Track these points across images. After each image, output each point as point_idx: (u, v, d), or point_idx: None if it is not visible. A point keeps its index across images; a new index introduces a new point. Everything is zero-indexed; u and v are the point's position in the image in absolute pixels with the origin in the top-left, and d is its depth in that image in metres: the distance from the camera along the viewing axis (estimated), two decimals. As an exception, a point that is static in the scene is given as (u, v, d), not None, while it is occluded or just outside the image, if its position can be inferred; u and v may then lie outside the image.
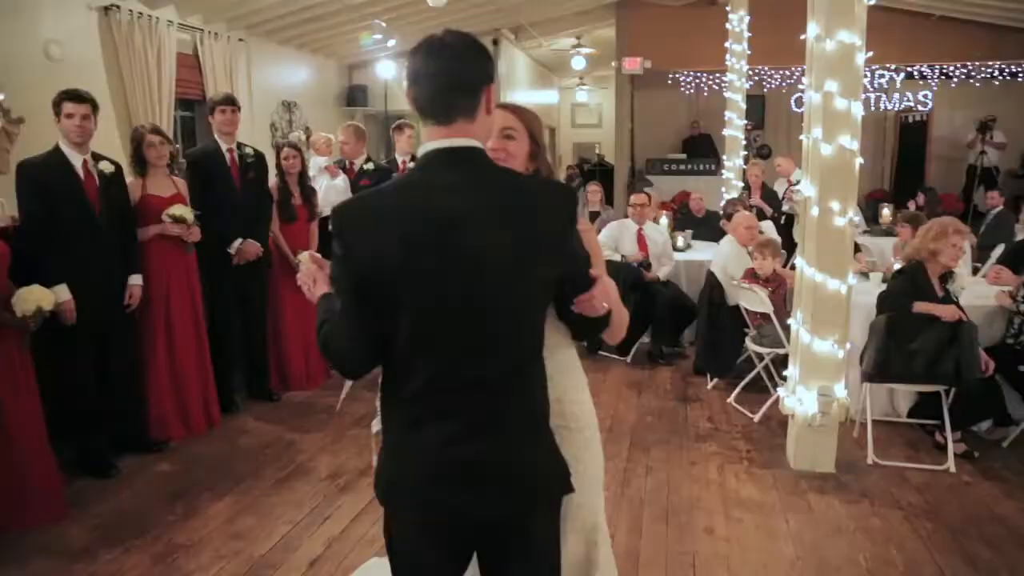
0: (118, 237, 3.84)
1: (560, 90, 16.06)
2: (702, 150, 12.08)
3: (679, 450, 4.13)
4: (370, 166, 5.70)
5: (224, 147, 4.72)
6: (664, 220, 6.97)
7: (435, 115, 1.46)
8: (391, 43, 9.45)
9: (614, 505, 3.44)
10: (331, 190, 5.66)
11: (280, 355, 5.24)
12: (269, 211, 5.01)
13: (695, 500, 3.54)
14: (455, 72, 1.45)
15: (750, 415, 4.58)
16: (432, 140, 1.47)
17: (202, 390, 4.49)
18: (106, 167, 3.78)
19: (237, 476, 3.80)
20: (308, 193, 5.28)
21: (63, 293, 3.53)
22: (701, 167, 11.44)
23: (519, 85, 12.27)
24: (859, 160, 3.66)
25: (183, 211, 4.23)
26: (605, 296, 1.53)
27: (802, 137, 3.87)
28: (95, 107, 3.73)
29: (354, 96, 10.80)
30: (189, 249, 4.34)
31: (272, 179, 5.16)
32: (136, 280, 3.97)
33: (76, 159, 3.66)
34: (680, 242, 6.68)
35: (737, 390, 4.86)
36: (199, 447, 4.22)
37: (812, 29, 3.66)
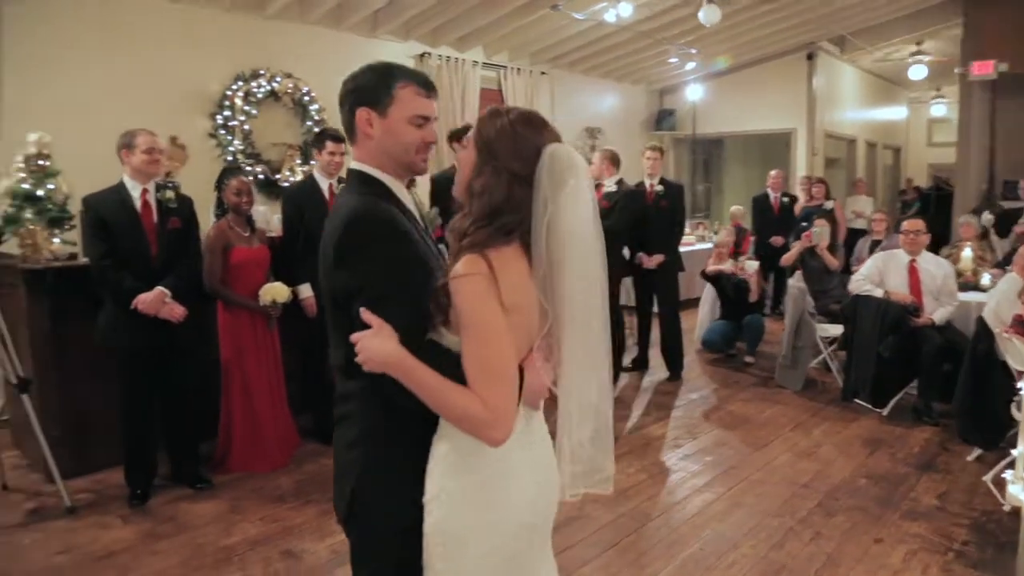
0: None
1: (910, 104, 14.07)
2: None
3: (870, 523, 3.44)
4: (612, 188, 5.78)
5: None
6: (967, 252, 5.77)
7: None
8: (689, 66, 9.35)
9: (751, 562, 3.06)
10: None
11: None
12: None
13: (851, 584, 2.96)
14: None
15: (1003, 502, 3.61)
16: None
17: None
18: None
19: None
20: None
21: (305, 291, 4.34)
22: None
23: (846, 101, 11.12)
24: None
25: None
26: (363, 351, 1.43)
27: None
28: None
29: (662, 120, 10.87)
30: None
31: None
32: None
33: (324, 183, 4.45)
34: (986, 279, 5.48)
35: (997, 468, 3.85)
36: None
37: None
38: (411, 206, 1.69)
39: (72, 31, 5.63)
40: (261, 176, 6.58)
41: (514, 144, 1.45)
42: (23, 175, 3.99)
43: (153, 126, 5.92)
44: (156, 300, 3.53)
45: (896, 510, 3.58)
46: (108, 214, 3.54)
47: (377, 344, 1.42)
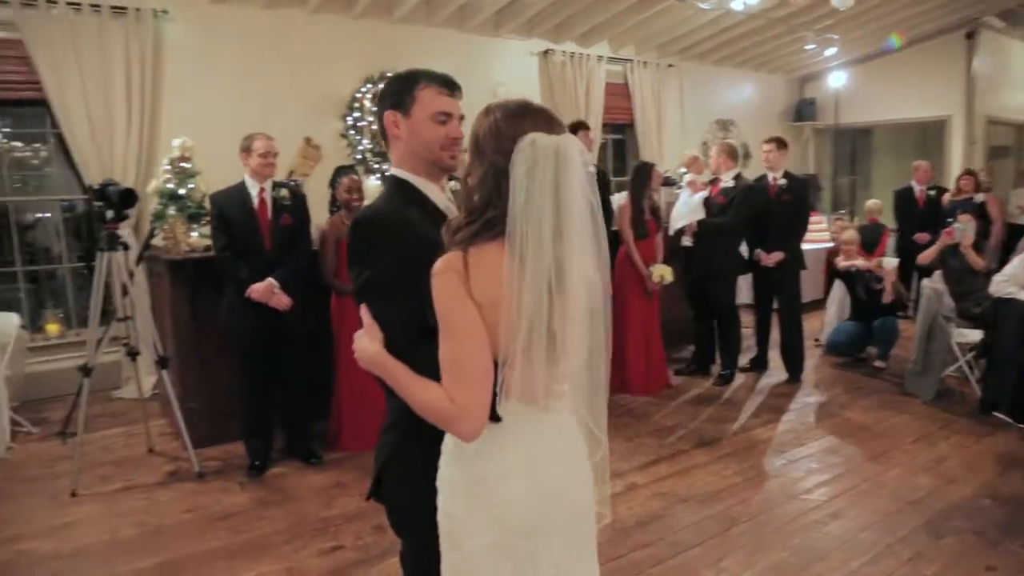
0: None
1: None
2: None
3: (985, 548, 3.14)
4: (730, 183, 5.59)
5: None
6: None
7: None
8: (828, 52, 8.82)
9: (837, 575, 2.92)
10: (684, 205, 5.76)
11: (621, 357, 5.55)
12: (610, 225, 5.40)
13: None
14: None
15: None
16: None
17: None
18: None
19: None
20: (656, 208, 5.52)
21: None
22: None
23: (1016, 82, 10.01)
24: None
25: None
26: (355, 349, 1.55)
27: None
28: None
29: (801, 110, 10.33)
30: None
31: (619, 200, 5.55)
32: None
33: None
34: None
35: None
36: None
37: None
38: (443, 205, 1.76)
39: (221, 46, 6.20)
40: (388, 173, 6.95)
41: (496, 139, 1.44)
42: (168, 176, 4.48)
43: (290, 129, 6.48)
44: (266, 290, 3.85)
45: (1019, 538, 3.25)
46: (229, 210, 3.92)
47: (364, 343, 1.51)
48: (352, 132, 6.91)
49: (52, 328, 5.61)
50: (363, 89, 6.93)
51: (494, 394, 1.44)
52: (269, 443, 4.20)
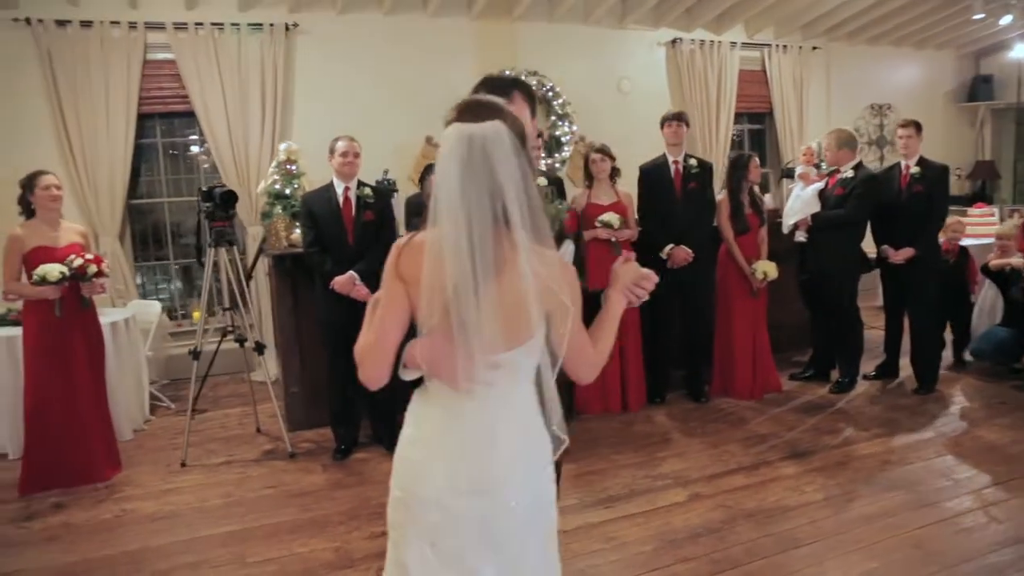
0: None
1: None
2: None
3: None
4: (849, 173, 5.12)
5: (671, 158, 5.09)
6: None
7: None
8: (1003, 21, 7.78)
9: None
10: (797, 199, 5.35)
11: (725, 361, 5.30)
12: (708, 219, 5.14)
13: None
14: None
15: None
16: None
17: (620, 375, 5.03)
18: (541, 181, 4.70)
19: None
20: (757, 201, 5.18)
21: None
22: None
23: None
24: None
25: (611, 217, 4.84)
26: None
27: None
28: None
29: (975, 88, 9.22)
30: (616, 250, 4.91)
31: (720, 193, 5.26)
32: None
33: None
34: None
35: None
36: (601, 423, 4.79)
37: None
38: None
39: (347, 54, 6.61)
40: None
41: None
42: (276, 178, 4.86)
43: (413, 129, 6.78)
44: (347, 282, 4.07)
45: None
46: (317, 208, 4.18)
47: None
48: (470, 131, 7.08)
49: (196, 315, 6.29)
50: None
51: (399, 357, 1.56)
52: (355, 430, 4.45)
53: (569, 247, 1.85)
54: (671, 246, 4.97)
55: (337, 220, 4.20)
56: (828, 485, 3.71)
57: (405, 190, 6.23)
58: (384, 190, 4.41)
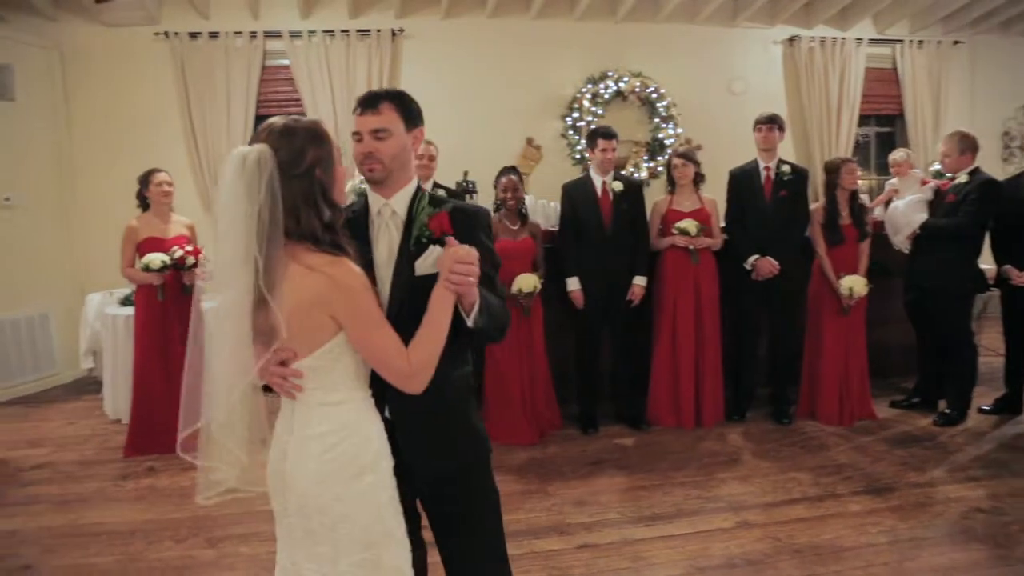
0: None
1: None
2: None
3: None
4: (963, 179, 4.64)
5: (762, 164, 4.84)
6: None
7: None
8: None
9: None
10: (895, 210, 4.92)
11: (812, 381, 4.98)
12: (799, 230, 4.83)
13: None
14: None
15: None
16: None
17: (695, 388, 4.85)
18: (617, 186, 4.63)
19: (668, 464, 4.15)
20: (858, 212, 4.80)
21: (571, 283, 4.64)
22: None
23: None
24: None
25: (688, 224, 4.67)
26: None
27: None
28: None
29: None
30: (695, 259, 4.73)
31: (818, 202, 4.94)
32: (638, 281, 4.68)
33: (597, 180, 4.65)
34: None
35: None
36: (670, 437, 4.65)
37: None
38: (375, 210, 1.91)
39: (451, 56, 6.79)
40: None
41: None
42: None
43: (514, 129, 6.87)
44: None
45: None
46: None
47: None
48: (571, 132, 7.06)
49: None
50: (583, 89, 7.03)
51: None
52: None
53: (434, 251, 1.83)
54: (756, 256, 4.73)
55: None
56: (898, 528, 3.39)
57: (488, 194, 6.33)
58: (459, 193, 4.51)
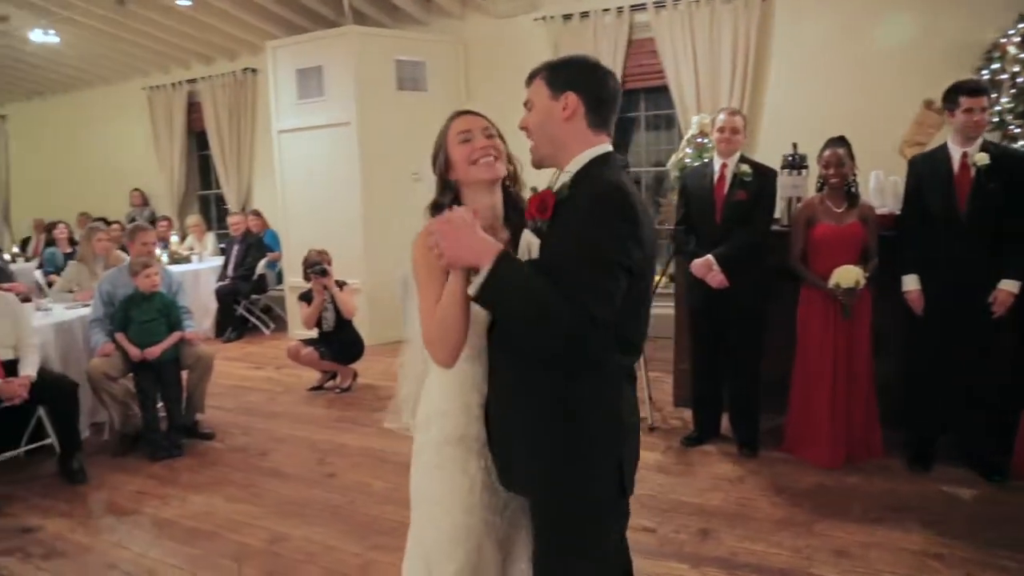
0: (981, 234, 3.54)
1: None
2: None
3: None
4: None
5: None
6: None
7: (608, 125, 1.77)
8: None
9: None
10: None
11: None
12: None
13: None
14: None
15: None
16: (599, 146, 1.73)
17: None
18: (981, 159, 3.55)
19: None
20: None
21: (909, 283, 3.74)
22: None
23: None
24: None
25: None
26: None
27: None
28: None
29: None
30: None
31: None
32: (1007, 286, 3.48)
33: (956, 152, 3.62)
34: None
35: None
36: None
37: None
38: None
39: (824, 19, 5.94)
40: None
41: None
42: (688, 151, 4.83)
43: (905, 89, 5.84)
44: (704, 265, 3.87)
45: None
46: (691, 184, 4.09)
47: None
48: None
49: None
50: (1011, 31, 5.49)
51: None
52: (713, 416, 4.26)
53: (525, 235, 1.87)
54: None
55: (708, 198, 3.97)
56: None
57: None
58: (766, 169, 3.97)
